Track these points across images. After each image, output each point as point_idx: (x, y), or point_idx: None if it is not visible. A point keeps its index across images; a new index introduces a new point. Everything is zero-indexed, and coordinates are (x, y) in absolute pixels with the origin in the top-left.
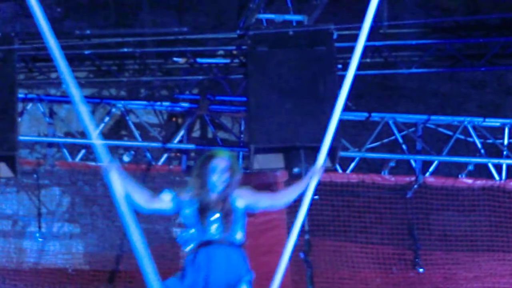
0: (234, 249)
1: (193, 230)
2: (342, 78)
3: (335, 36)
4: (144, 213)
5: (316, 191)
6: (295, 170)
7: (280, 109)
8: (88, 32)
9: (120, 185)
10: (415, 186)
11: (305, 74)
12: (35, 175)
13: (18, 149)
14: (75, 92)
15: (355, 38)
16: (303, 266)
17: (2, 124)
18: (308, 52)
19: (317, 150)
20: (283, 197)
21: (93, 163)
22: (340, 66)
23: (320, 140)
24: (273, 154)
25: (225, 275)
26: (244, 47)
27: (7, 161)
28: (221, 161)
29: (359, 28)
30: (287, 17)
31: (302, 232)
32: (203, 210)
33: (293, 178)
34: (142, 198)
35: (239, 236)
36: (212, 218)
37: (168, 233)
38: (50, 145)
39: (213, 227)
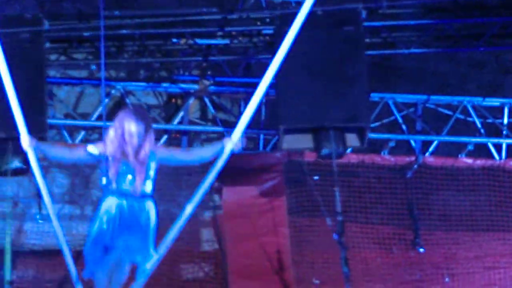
0: (144, 201)
1: (106, 180)
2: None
3: (363, 16)
4: (68, 163)
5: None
6: (324, 150)
7: (308, 89)
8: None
9: (36, 161)
10: (415, 166)
11: (333, 54)
12: None
13: (47, 131)
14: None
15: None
16: (305, 247)
17: (31, 106)
18: (336, 32)
19: (345, 130)
20: (196, 155)
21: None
22: None
23: (349, 120)
24: (302, 134)
25: (132, 231)
26: (241, 28)
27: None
28: (135, 115)
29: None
30: None
31: (335, 213)
32: (117, 163)
33: (323, 159)
34: (65, 152)
35: (149, 188)
36: (125, 170)
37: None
38: (50, 126)
39: (126, 179)
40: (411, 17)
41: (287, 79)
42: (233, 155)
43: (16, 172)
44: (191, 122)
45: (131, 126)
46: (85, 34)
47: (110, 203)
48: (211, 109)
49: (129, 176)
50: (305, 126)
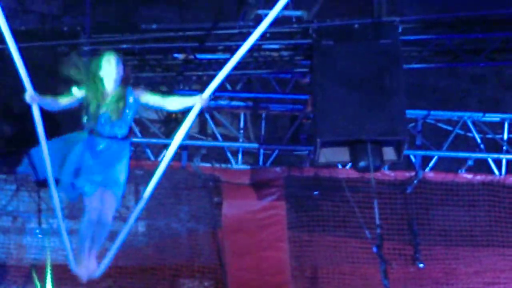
0: (119, 142)
1: (87, 119)
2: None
3: (399, 30)
4: (55, 110)
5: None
6: (361, 163)
7: (346, 102)
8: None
9: (39, 115)
10: (415, 181)
11: (370, 67)
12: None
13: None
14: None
15: None
16: (304, 262)
17: (67, 121)
18: (373, 45)
19: (383, 143)
20: (170, 104)
21: None
22: None
23: (387, 133)
24: (339, 148)
25: (103, 168)
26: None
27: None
28: (111, 58)
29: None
30: (287, 12)
31: (375, 225)
32: (96, 103)
33: (360, 172)
34: (60, 102)
35: (125, 130)
36: (103, 111)
37: (168, 229)
38: None
39: (104, 119)
40: (411, 32)
41: (324, 92)
42: (233, 171)
43: (40, 184)
44: (191, 137)
45: (111, 60)
46: (85, 48)
47: (89, 140)
48: (211, 124)
49: (107, 116)
50: (343, 139)
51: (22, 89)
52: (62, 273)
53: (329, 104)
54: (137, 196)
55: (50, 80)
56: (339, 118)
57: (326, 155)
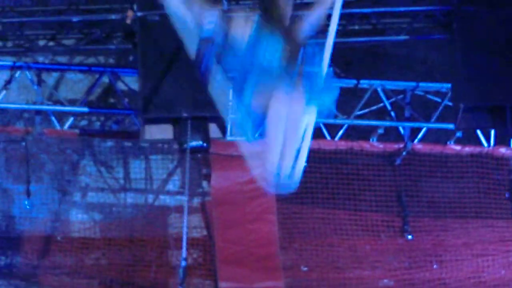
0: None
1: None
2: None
3: None
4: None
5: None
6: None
7: (488, 68)
8: None
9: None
10: (404, 153)
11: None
12: (23, 143)
13: None
14: None
15: (344, 5)
16: (293, 233)
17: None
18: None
19: None
20: None
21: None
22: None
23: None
24: (481, 113)
25: None
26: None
27: (218, 122)
28: None
29: None
30: None
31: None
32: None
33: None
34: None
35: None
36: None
37: (157, 201)
38: (38, 112)
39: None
40: (401, 3)
41: (465, 58)
42: (222, 142)
43: (196, 150)
44: None
45: None
46: (74, 19)
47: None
48: None
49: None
50: (486, 104)
51: None
52: (51, 244)
53: (470, 70)
54: (126, 167)
55: None
56: (480, 83)
57: (467, 121)
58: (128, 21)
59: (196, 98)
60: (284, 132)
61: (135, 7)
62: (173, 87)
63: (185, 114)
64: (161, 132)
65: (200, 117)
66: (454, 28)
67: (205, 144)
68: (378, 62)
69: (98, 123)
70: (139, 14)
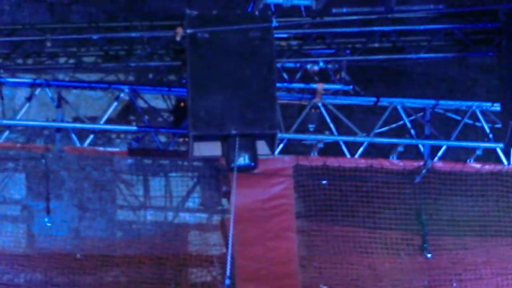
0: None
1: None
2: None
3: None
4: None
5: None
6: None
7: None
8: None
9: None
10: (424, 171)
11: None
12: (43, 160)
13: (278, 128)
14: None
15: (364, 23)
16: (312, 251)
17: (262, 103)
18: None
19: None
20: None
21: (101, 148)
22: (348, 51)
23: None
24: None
25: None
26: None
27: (267, 139)
28: None
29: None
30: (295, 1)
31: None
32: None
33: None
34: None
35: None
36: None
37: (177, 218)
38: (59, 130)
39: None
40: (421, 22)
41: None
42: None
43: (243, 169)
44: None
45: None
46: (95, 37)
47: None
48: None
49: None
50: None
51: None
52: (71, 262)
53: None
54: (146, 185)
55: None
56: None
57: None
58: (178, 38)
59: (245, 115)
60: None
61: (184, 24)
62: (222, 104)
63: (234, 131)
64: (210, 149)
65: (249, 135)
66: (502, 46)
67: (252, 164)
68: (398, 80)
69: (118, 140)
70: (188, 31)
